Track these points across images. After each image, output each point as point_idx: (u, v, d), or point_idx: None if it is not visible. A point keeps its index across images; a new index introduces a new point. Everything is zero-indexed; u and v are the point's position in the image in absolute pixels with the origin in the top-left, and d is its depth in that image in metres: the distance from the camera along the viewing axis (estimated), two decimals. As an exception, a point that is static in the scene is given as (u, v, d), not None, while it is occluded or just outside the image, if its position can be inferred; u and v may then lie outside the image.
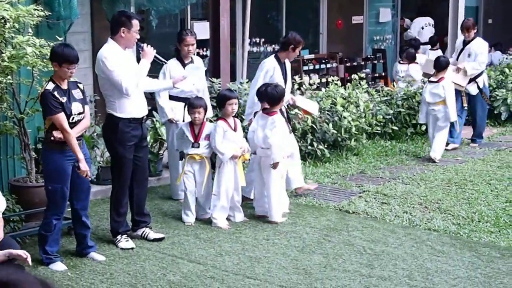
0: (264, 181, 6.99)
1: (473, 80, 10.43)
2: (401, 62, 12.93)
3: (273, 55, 7.70)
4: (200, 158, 6.80)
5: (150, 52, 6.23)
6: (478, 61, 10.29)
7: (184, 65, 7.47)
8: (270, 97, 6.92)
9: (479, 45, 10.42)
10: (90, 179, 5.70)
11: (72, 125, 5.54)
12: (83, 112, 5.64)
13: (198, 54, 11.66)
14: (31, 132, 6.94)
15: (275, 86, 6.97)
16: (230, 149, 6.80)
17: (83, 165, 5.52)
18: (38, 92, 6.34)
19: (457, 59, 10.50)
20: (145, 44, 6.29)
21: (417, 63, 12.44)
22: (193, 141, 6.76)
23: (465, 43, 10.49)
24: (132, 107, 6.10)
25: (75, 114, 5.55)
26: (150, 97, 7.51)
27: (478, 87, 10.50)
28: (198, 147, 6.76)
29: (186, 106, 6.97)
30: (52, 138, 5.49)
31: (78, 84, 5.70)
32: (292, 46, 7.53)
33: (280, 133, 6.91)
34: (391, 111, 11.04)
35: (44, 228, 5.70)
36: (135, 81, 6.00)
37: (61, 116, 5.40)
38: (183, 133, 6.82)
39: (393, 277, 5.59)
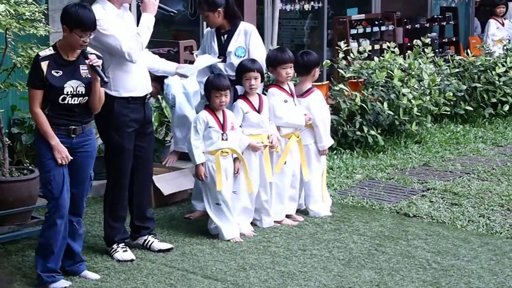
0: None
1: None
2: None
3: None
4: (233, 152, 6.76)
5: (151, 2, 6.18)
6: None
7: (219, 34, 7.13)
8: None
9: None
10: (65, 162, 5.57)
11: (60, 107, 5.50)
12: (83, 96, 5.55)
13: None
14: (3, 113, 6.99)
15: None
16: (249, 136, 6.82)
17: (56, 152, 5.49)
18: (12, 61, 6.40)
19: None
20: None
21: None
22: (221, 131, 6.69)
23: None
24: (132, 83, 6.10)
25: (67, 95, 5.48)
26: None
27: None
28: (227, 139, 6.72)
29: (206, 88, 6.73)
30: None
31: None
32: None
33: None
34: (464, 87, 10.98)
35: (46, 235, 5.64)
36: (139, 42, 6.02)
37: (36, 93, 5.44)
38: (206, 123, 6.69)
39: (466, 298, 5.57)
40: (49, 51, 5.50)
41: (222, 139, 6.66)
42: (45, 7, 6.58)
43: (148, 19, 6.14)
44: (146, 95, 6.25)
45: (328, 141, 7.33)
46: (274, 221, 7.06)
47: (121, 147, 6.13)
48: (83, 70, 5.55)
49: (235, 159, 6.77)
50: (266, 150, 6.93)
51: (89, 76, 5.55)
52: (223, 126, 6.66)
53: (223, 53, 7.00)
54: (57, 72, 5.45)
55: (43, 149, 5.54)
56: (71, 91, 5.49)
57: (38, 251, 5.72)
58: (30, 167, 6.74)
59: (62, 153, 5.50)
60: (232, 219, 6.73)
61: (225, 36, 7.06)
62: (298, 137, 7.14)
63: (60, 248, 5.68)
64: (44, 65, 5.43)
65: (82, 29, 5.44)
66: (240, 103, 6.88)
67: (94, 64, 5.51)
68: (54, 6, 8.32)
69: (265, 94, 7.16)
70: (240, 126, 6.84)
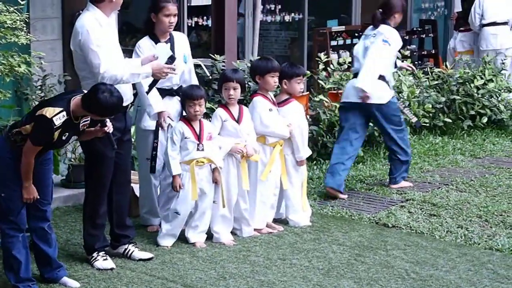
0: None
1: None
2: None
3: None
4: (209, 161, 6.76)
5: (161, 71, 6.21)
6: None
7: (157, 43, 7.00)
8: None
9: None
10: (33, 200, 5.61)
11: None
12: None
13: (196, 24, 11.70)
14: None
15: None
16: (229, 143, 6.84)
17: (26, 193, 5.51)
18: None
19: None
20: (175, 65, 6.36)
21: None
22: (197, 142, 6.72)
23: None
24: None
25: (63, 147, 5.74)
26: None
27: None
28: (203, 149, 6.73)
29: (181, 98, 6.83)
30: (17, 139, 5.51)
31: None
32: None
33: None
34: (443, 99, 11.04)
35: (9, 248, 5.61)
36: (119, 75, 6.00)
37: (38, 149, 5.46)
38: (182, 134, 6.69)
39: (444, 308, 5.60)
40: (63, 117, 5.40)
41: (198, 149, 6.68)
42: (27, 15, 6.58)
43: (146, 72, 6.17)
44: (128, 105, 6.29)
45: (305, 152, 7.35)
46: (255, 229, 7.08)
47: (103, 155, 6.14)
48: (82, 124, 5.63)
49: (214, 169, 6.78)
50: (244, 159, 6.95)
51: (85, 127, 5.67)
52: (199, 137, 6.68)
53: (171, 62, 6.84)
54: (64, 135, 5.52)
55: (12, 174, 5.51)
56: (68, 143, 5.75)
57: (6, 266, 5.69)
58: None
59: (31, 195, 5.55)
60: (177, 232, 6.77)
61: (168, 44, 6.90)
62: (281, 146, 7.17)
63: (27, 257, 5.67)
64: (57, 133, 5.43)
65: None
66: (219, 111, 6.92)
67: (110, 132, 5.78)
68: (36, 14, 8.32)
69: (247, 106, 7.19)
70: (218, 134, 6.86)
